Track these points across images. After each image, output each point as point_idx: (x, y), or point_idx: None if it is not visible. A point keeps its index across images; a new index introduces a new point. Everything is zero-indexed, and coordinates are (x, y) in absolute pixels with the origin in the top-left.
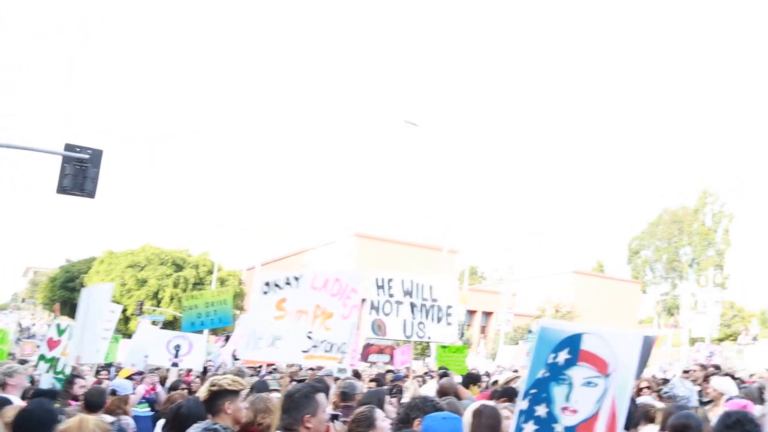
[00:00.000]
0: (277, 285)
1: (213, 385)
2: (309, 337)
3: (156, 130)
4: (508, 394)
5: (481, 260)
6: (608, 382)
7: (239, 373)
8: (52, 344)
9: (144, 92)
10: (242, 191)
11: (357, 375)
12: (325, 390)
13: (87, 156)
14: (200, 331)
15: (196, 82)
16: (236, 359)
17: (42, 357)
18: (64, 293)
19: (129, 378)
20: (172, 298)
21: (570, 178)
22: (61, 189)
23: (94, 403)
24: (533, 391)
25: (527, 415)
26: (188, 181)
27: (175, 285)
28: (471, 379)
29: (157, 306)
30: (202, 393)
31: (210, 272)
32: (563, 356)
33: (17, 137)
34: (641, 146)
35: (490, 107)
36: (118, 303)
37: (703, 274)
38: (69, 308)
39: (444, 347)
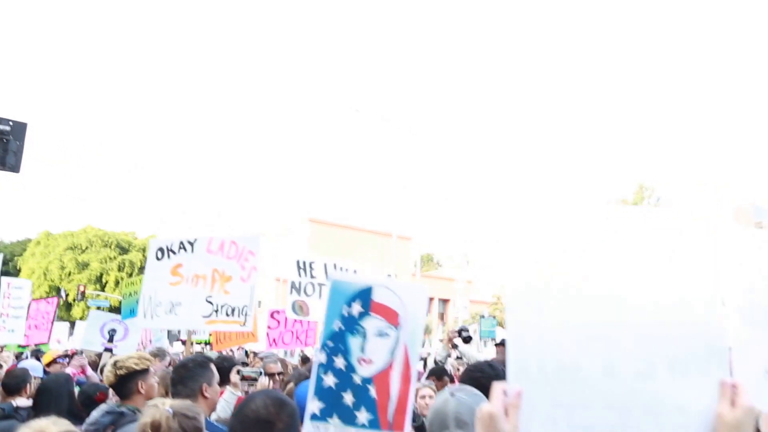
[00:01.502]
0: (171, 250)
1: (120, 368)
2: (209, 302)
3: (100, 107)
4: (436, 372)
5: (436, 247)
6: (399, 333)
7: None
8: None
9: (88, 66)
10: (193, 175)
11: (305, 360)
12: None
13: (8, 128)
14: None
15: (144, 57)
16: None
17: None
18: None
19: (54, 361)
20: (117, 283)
21: (520, 168)
22: None
23: (12, 386)
24: (330, 343)
25: (326, 367)
26: (138, 163)
27: (120, 269)
28: None
29: (102, 291)
30: (108, 378)
31: None
32: (356, 308)
33: None
34: (582, 140)
35: (446, 93)
36: (58, 288)
37: None
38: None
39: None
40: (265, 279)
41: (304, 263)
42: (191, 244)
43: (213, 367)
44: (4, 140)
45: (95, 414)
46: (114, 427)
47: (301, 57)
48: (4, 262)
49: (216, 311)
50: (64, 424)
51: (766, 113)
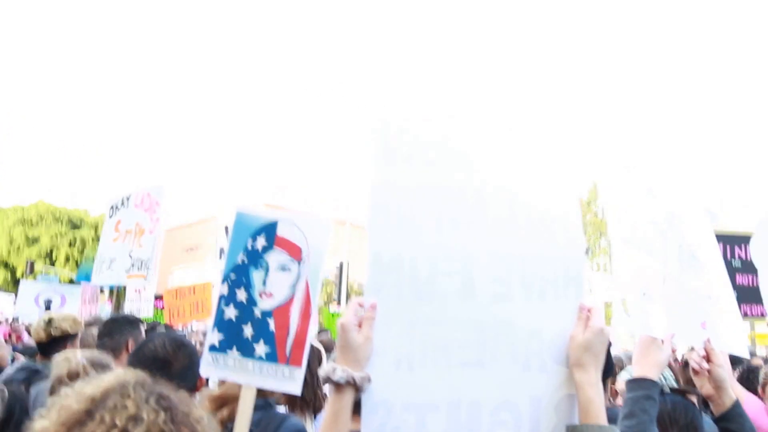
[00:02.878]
0: (116, 207)
1: (55, 329)
2: (130, 256)
3: (62, 81)
4: None
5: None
6: (301, 268)
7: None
8: None
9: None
10: (154, 151)
11: None
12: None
13: None
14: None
15: (102, 33)
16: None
17: None
18: None
19: None
20: (67, 259)
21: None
22: None
23: None
24: (232, 276)
25: (227, 299)
26: (96, 143)
27: (71, 245)
28: None
29: (51, 266)
30: (38, 335)
31: None
32: (261, 242)
33: None
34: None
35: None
36: (6, 262)
37: (595, 261)
38: None
39: (332, 313)
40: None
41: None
42: (128, 199)
43: (142, 327)
44: None
45: (9, 371)
46: (28, 384)
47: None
48: None
49: (133, 265)
50: None
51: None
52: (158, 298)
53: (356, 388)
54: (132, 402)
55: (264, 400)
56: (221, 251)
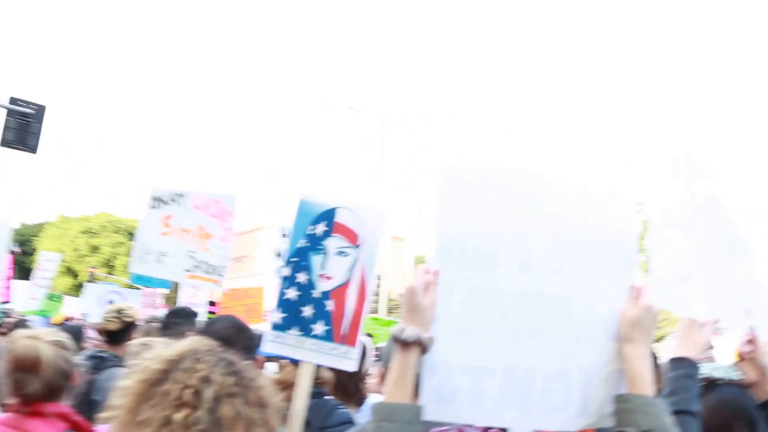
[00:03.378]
0: (163, 201)
1: (127, 317)
2: (191, 257)
3: (113, 100)
4: None
5: (429, 249)
6: (358, 253)
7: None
8: None
9: (97, 52)
10: (202, 162)
11: None
12: None
13: (31, 111)
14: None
15: (151, 45)
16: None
17: None
18: (17, 257)
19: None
20: (125, 267)
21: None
22: (5, 143)
23: None
24: (294, 259)
25: (290, 281)
26: (149, 150)
27: (129, 254)
28: None
29: (110, 274)
30: (111, 324)
31: None
32: (321, 228)
33: None
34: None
35: (443, 91)
36: (70, 269)
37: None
38: (22, 272)
39: (375, 318)
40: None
41: (289, 230)
42: (181, 196)
43: (197, 322)
44: (27, 122)
45: (78, 358)
46: (96, 370)
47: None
48: (22, 243)
49: (197, 266)
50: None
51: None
52: (211, 304)
53: (422, 348)
54: (204, 365)
55: (316, 388)
56: (278, 253)
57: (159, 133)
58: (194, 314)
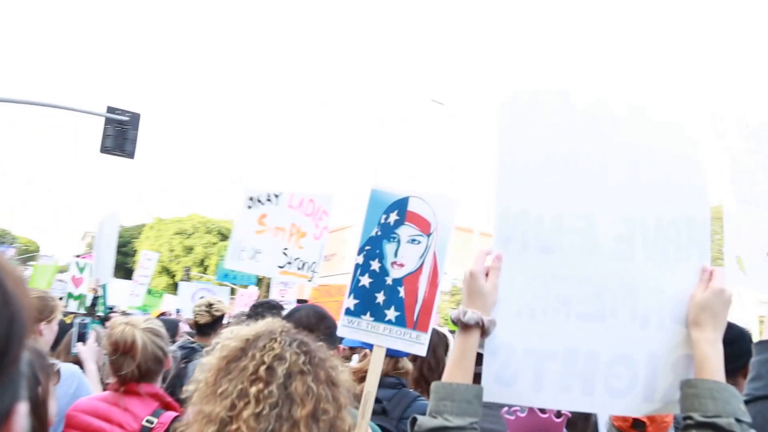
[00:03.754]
0: (259, 200)
1: (217, 311)
2: (284, 254)
3: (208, 102)
4: None
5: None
6: (429, 240)
7: None
8: (76, 281)
9: (188, 57)
10: (288, 164)
11: None
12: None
13: (127, 118)
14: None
15: (240, 48)
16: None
17: (70, 294)
18: (118, 257)
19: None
20: (217, 266)
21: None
22: (104, 149)
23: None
24: (367, 247)
25: (363, 268)
26: (239, 149)
27: (221, 254)
28: None
29: (204, 273)
30: (202, 318)
31: None
32: (393, 217)
33: (63, 98)
34: None
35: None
36: (167, 269)
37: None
38: (123, 272)
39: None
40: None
41: None
42: (276, 196)
43: (282, 314)
44: (123, 129)
45: (171, 348)
46: (187, 360)
47: (381, 48)
48: (123, 244)
49: (289, 263)
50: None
51: None
52: (300, 302)
53: (483, 331)
54: (278, 344)
55: (397, 379)
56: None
57: (247, 134)
58: (280, 307)
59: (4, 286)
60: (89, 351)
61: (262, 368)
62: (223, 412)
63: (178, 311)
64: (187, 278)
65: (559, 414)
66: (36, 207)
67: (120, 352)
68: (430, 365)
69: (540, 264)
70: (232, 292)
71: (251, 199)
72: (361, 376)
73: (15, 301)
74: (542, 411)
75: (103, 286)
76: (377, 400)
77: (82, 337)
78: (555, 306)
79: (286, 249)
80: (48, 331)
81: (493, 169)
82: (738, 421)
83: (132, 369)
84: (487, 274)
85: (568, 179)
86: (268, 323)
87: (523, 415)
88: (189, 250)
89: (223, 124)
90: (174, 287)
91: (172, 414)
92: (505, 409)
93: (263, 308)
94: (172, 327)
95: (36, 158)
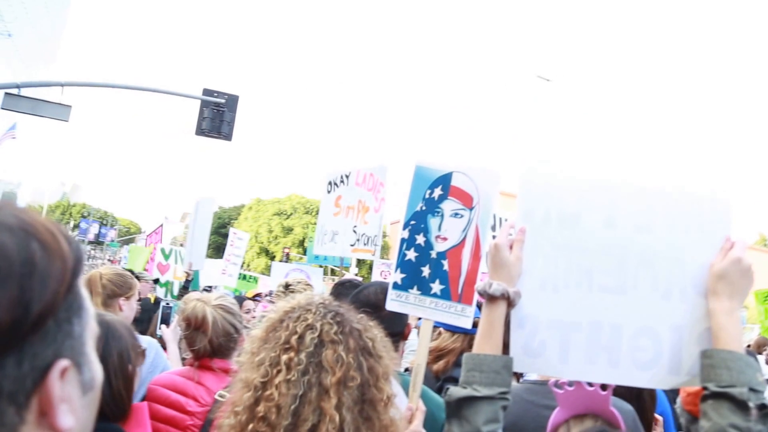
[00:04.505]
0: (335, 183)
1: (292, 291)
2: (354, 231)
3: (305, 85)
4: None
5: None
6: (472, 214)
7: None
8: (162, 269)
9: (282, 40)
10: (386, 140)
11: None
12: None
13: (223, 101)
14: (320, 266)
15: (337, 30)
16: None
17: (157, 281)
18: (217, 238)
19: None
20: (307, 250)
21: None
22: (200, 131)
23: None
24: (413, 222)
25: (408, 243)
26: (339, 131)
27: (312, 237)
28: None
29: (303, 254)
30: (278, 298)
31: None
32: (437, 192)
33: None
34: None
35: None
36: (266, 249)
37: None
38: (221, 253)
39: None
40: None
41: None
42: (347, 177)
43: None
44: (220, 111)
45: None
46: None
47: (486, 26)
48: (222, 225)
49: (358, 240)
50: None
51: None
52: None
53: (509, 302)
54: (312, 315)
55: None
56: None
57: (345, 114)
58: (360, 284)
59: (27, 242)
60: (172, 333)
61: (294, 337)
62: (258, 378)
63: (270, 293)
64: (287, 259)
65: (604, 387)
66: (137, 189)
67: (192, 327)
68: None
69: (562, 237)
70: (333, 272)
71: (330, 183)
72: (436, 356)
73: (40, 254)
74: (589, 384)
75: (195, 272)
76: (454, 380)
77: (166, 319)
78: (577, 279)
79: (355, 226)
80: (127, 308)
81: (520, 151)
82: (752, 390)
83: (204, 344)
84: (511, 247)
85: (591, 157)
86: (308, 296)
87: (570, 389)
88: (288, 230)
89: (321, 104)
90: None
91: None
92: (552, 381)
93: (344, 287)
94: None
95: (137, 142)
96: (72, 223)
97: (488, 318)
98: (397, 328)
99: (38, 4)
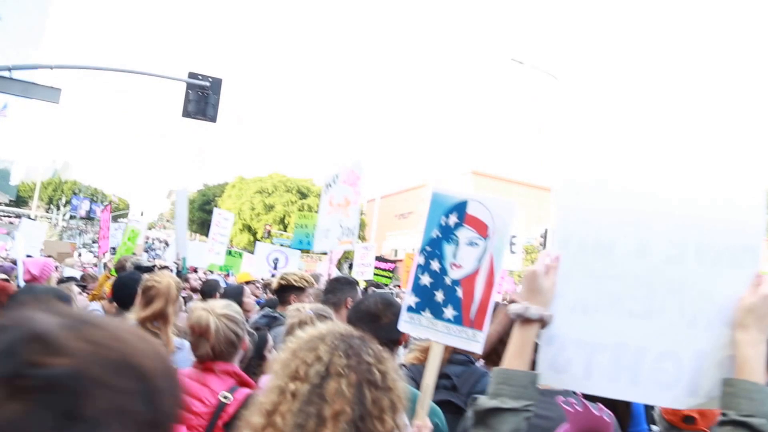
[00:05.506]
0: (329, 184)
1: (282, 280)
2: (340, 226)
3: (285, 67)
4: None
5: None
6: (487, 243)
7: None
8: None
9: (270, 23)
10: (366, 124)
11: None
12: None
13: (208, 84)
14: (306, 250)
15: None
16: None
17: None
18: (202, 215)
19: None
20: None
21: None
22: (186, 113)
23: (208, 293)
24: (428, 248)
25: (423, 268)
26: (318, 111)
27: (300, 211)
28: None
29: (284, 231)
30: (273, 285)
31: None
32: (453, 219)
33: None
34: None
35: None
36: (249, 226)
37: None
38: (207, 230)
39: None
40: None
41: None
42: (337, 176)
43: (358, 288)
44: (205, 94)
45: (255, 316)
46: (269, 328)
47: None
48: (206, 202)
49: (343, 233)
50: (232, 306)
51: None
52: (381, 260)
53: (542, 324)
54: (323, 346)
55: (466, 356)
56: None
57: (327, 95)
58: (355, 282)
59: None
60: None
61: (302, 367)
62: (269, 405)
63: (262, 281)
64: (268, 235)
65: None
66: (125, 167)
67: (196, 334)
68: (502, 339)
69: (594, 265)
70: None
71: (326, 185)
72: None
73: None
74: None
75: (183, 259)
76: (447, 376)
77: None
78: (607, 303)
79: (341, 221)
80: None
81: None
82: None
83: (207, 350)
84: (547, 273)
85: (625, 187)
86: (327, 327)
87: (580, 409)
88: (270, 208)
89: (301, 87)
90: (255, 245)
91: (247, 391)
92: (560, 398)
93: (339, 283)
94: (236, 294)
95: (125, 121)
96: (64, 200)
97: (521, 338)
98: (394, 335)
99: None
